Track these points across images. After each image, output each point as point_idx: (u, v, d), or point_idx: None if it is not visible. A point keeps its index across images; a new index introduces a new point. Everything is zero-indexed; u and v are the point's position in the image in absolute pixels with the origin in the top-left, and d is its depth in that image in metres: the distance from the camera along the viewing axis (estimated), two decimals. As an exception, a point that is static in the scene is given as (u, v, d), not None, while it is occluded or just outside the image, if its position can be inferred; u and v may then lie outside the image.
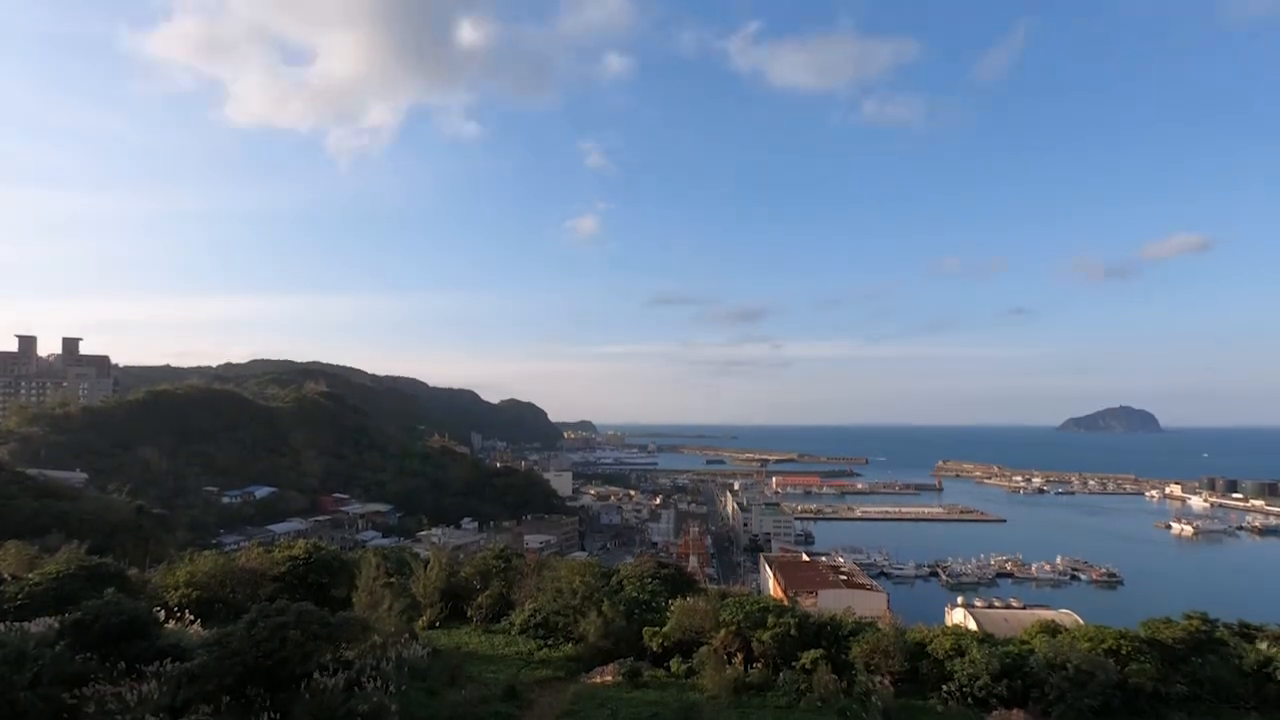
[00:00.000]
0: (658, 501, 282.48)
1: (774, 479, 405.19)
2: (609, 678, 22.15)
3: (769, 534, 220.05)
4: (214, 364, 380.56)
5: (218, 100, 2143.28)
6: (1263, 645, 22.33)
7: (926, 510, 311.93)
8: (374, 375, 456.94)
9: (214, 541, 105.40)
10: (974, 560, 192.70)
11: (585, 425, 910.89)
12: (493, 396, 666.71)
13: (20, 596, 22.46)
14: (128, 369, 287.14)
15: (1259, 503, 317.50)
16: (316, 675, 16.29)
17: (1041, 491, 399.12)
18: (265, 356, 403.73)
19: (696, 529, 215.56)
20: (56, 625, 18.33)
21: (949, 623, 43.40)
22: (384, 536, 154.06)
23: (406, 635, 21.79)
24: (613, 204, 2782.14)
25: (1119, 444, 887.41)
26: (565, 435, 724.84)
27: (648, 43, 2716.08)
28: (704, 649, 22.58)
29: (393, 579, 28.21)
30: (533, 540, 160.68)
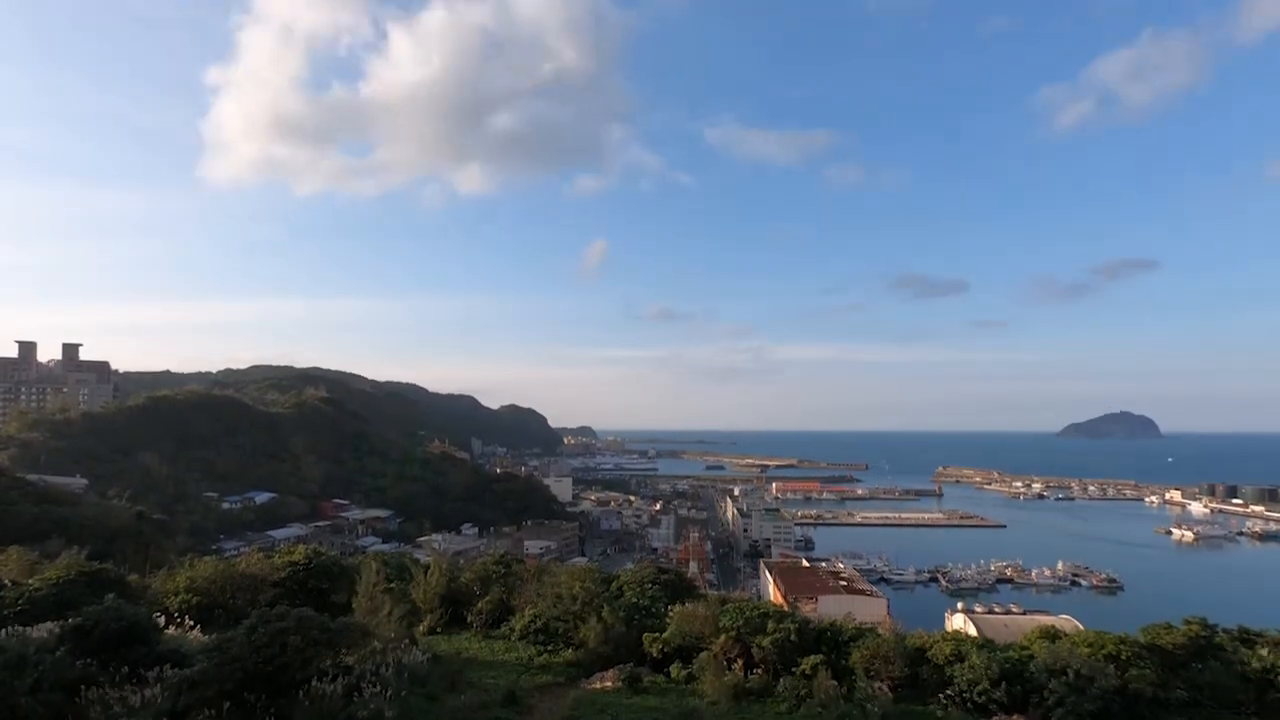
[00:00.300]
0: (658, 507, 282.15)
1: (774, 484, 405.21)
2: (609, 683, 22.14)
3: (769, 539, 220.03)
4: (214, 369, 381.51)
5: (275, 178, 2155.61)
6: (1264, 651, 22.31)
7: (926, 516, 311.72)
8: (374, 381, 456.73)
9: (214, 547, 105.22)
10: (974, 566, 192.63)
11: (585, 431, 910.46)
12: (492, 402, 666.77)
13: (21, 602, 22.51)
14: (128, 374, 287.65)
15: (1259, 508, 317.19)
16: (316, 681, 16.29)
17: (1041, 497, 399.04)
18: (265, 362, 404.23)
19: (696, 534, 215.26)
20: (57, 631, 18.37)
21: (949, 628, 43.47)
22: (384, 542, 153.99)
23: (406, 641, 21.77)
24: (614, 235, 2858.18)
25: (1119, 449, 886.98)
26: (565, 441, 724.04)
27: (642, 117, 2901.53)
28: (704, 655, 22.56)
29: (393, 584, 28.25)
30: (533, 546, 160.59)
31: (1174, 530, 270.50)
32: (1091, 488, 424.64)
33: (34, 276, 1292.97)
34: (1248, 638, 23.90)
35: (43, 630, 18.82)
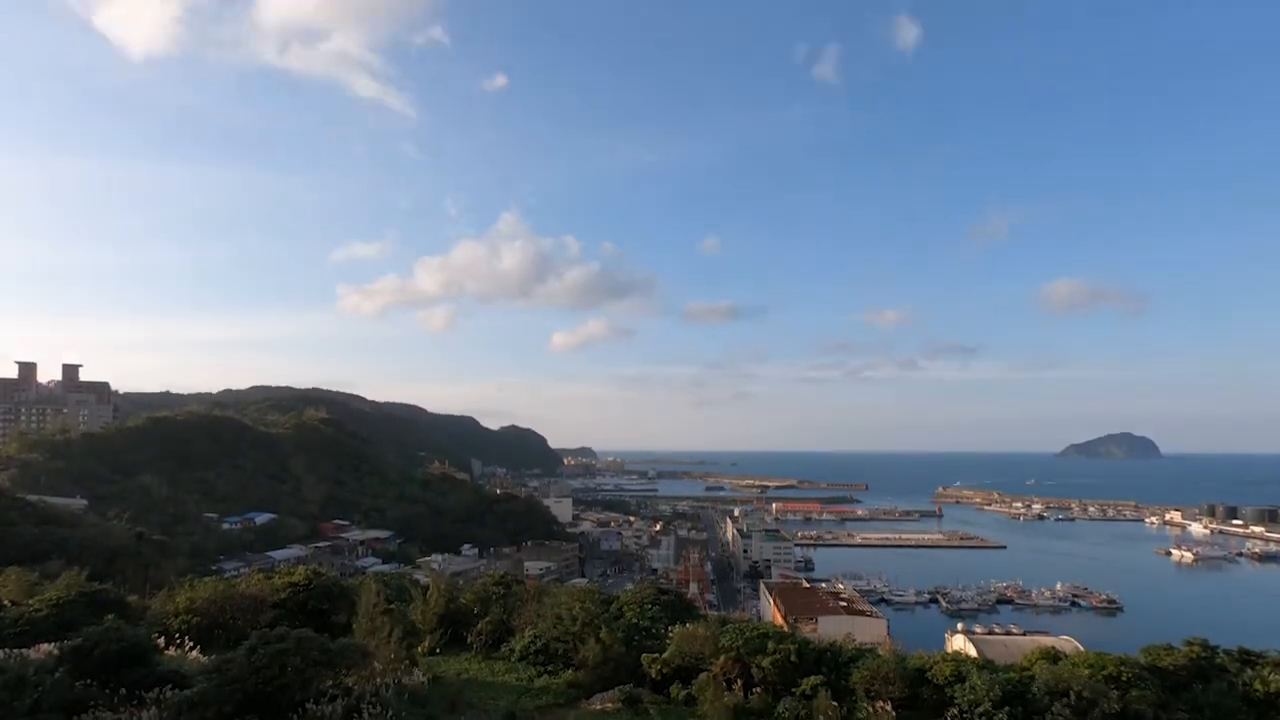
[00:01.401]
0: (658, 528, 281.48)
1: (774, 505, 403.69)
2: (609, 704, 22.08)
3: (769, 560, 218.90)
4: (214, 390, 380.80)
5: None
6: (1265, 671, 22.27)
7: (926, 536, 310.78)
8: (374, 402, 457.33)
9: (214, 568, 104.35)
10: (974, 587, 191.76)
11: (585, 451, 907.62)
12: (492, 422, 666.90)
13: (20, 623, 22.50)
14: (127, 395, 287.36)
15: (1259, 529, 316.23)
16: (316, 702, 16.27)
17: (1041, 518, 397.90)
18: (265, 383, 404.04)
19: (696, 555, 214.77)
20: (56, 652, 18.38)
21: (949, 649, 43.28)
22: (384, 563, 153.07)
23: (406, 662, 21.72)
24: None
25: (1119, 470, 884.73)
26: (565, 461, 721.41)
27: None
28: (704, 675, 22.52)
29: (392, 605, 28.16)
30: (533, 566, 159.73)
31: (1174, 551, 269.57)
32: (1091, 508, 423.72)
33: (32, 293, 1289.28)
34: (1248, 659, 23.86)
35: (42, 651, 18.83)
